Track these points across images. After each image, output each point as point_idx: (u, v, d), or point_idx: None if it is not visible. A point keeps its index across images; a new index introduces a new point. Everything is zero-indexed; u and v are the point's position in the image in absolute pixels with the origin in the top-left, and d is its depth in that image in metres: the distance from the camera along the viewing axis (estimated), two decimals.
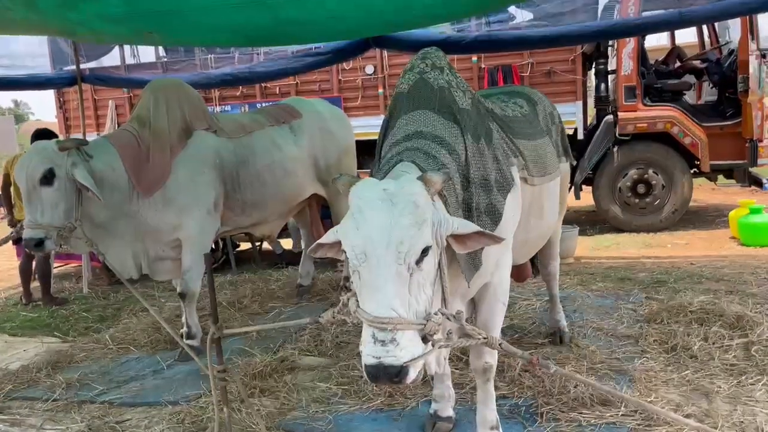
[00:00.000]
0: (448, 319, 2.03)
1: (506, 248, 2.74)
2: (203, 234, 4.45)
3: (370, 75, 8.56)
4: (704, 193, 10.43)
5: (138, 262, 4.40)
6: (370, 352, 1.88)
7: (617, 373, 3.60)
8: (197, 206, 4.38)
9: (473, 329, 2.09)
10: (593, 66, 8.28)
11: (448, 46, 6.52)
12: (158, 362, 4.35)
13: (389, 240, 1.90)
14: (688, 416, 3.04)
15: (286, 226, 7.31)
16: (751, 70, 7.21)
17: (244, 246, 8.06)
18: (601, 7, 7.81)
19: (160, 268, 4.52)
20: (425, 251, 1.96)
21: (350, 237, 1.96)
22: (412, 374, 1.91)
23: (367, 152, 8.77)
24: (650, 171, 7.78)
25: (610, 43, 8.01)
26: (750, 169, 7.86)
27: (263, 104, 8.51)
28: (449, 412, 3.13)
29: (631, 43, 7.66)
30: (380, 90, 8.53)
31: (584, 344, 4.06)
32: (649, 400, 3.20)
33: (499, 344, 2.08)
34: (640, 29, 5.77)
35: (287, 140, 5.05)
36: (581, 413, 3.11)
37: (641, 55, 7.90)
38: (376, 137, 9.58)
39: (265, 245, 7.99)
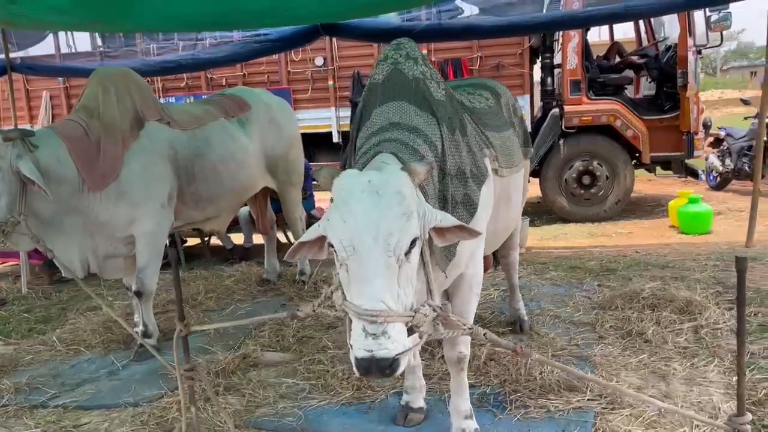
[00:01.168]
0: (434, 310, 2.03)
1: (480, 239, 2.75)
2: (158, 229, 4.30)
3: (320, 67, 8.48)
4: (640, 184, 10.82)
5: (86, 260, 4.20)
6: (361, 345, 1.86)
7: (579, 359, 3.70)
8: (152, 200, 4.22)
9: (458, 320, 2.09)
10: (539, 60, 8.45)
11: (400, 34, 6.52)
12: (112, 363, 4.18)
13: (377, 232, 1.88)
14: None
15: (237, 221, 7.18)
16: (689, 65, 7.52)
17: (192, 241, 7.87)
18: (546, 1, 7.99)
19: (111, 266, 4.34)
20: (413, 243, 1.95)
21: (337, 230, 1.93)
22: (402, 366, 1.91)
23: (318, 144, 8.74)
24: (595, 163, 8.03)
25: (556, 37, 8.20)
26: (686, 161, 8.22)
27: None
28: (421, 402, 3.14)
29: (575, 38, 7.87)
30: (330, 82, 8.47)
31: (544, 332, 4.15)
32: (615, 383, 3.29)
33: (484, 334, 2.09)
34: (588, 21, 5.96)
35: (239, 132, 4.97)
36: (549, 399, 3.17)
37: (585, 50, 8.13)
38: (326, 129, 9.58)
39: (214, 240, 7.81)
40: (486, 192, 2.69)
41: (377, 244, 1.87)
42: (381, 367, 1.85)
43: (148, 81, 8.58)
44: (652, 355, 3.70)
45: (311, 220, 7.42)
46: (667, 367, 3.54)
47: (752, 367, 3.48)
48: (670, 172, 8.72)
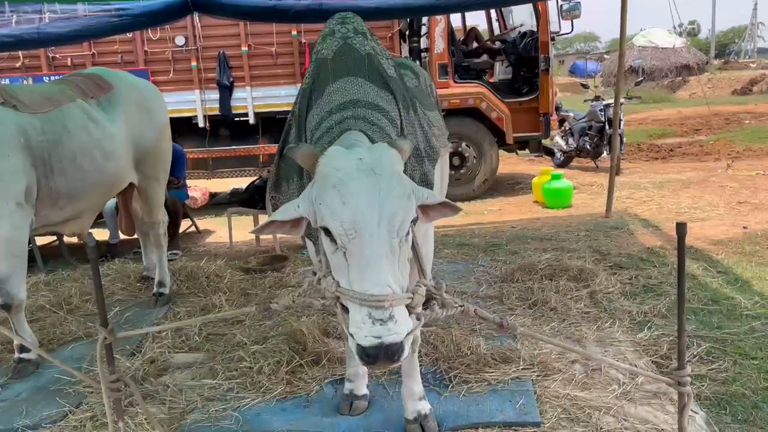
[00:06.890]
0: (428, 290, 1.98)
1: None
2: (16, 232, 3.65)
3: (181, 47, 7.91)
4: None
5: None
6: (369, 332, 1.75)
7: (498, 331, 3.82)
8: (2, 199, 3.62)
9: (450, 299, 2.06)
10: (407, 44, 8.58)
11: (276, 14, 6.29)
12: None
13: (380, 213, 1.78)
14: (573, 362, 3.37)
15: (101, 215, 6.53)
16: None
17: (43, 240, 7.02)
18: None
19: None
20: (413, 222, 1.87)
21: (337, 212, 1.79)
22: (407, 350, 1.83)
23: (180, 130, 8.18)
24: (463, 144, 8.36)
25: (423, 21, 8.37)
26: (542, 141, 8.84)
27: (51, 77, 7.42)
28: (364, 389, 3.07)
29: (441, 23, 8.10)
30: (194, 63, 7.95)
31: None
32: (537, 351, 3.45)
33: (474, 310, 2.07)
34: (467, 6, 6.13)
35: (102, 116, 4.37)
36: (487, 372, 3.25)
37: (450, 35, 8.39)
38: (190, 114, 8.94)
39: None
40: (438, 170, 2.67)
41: (381, 226, 1.77)
42: (391, 353, 1.76)
43: None
44: (561, 322, 3.94)
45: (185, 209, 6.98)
46: (579, 332, 3.78)
47: (649, 324, 3.83)
48: (526, 152, 9.32)
